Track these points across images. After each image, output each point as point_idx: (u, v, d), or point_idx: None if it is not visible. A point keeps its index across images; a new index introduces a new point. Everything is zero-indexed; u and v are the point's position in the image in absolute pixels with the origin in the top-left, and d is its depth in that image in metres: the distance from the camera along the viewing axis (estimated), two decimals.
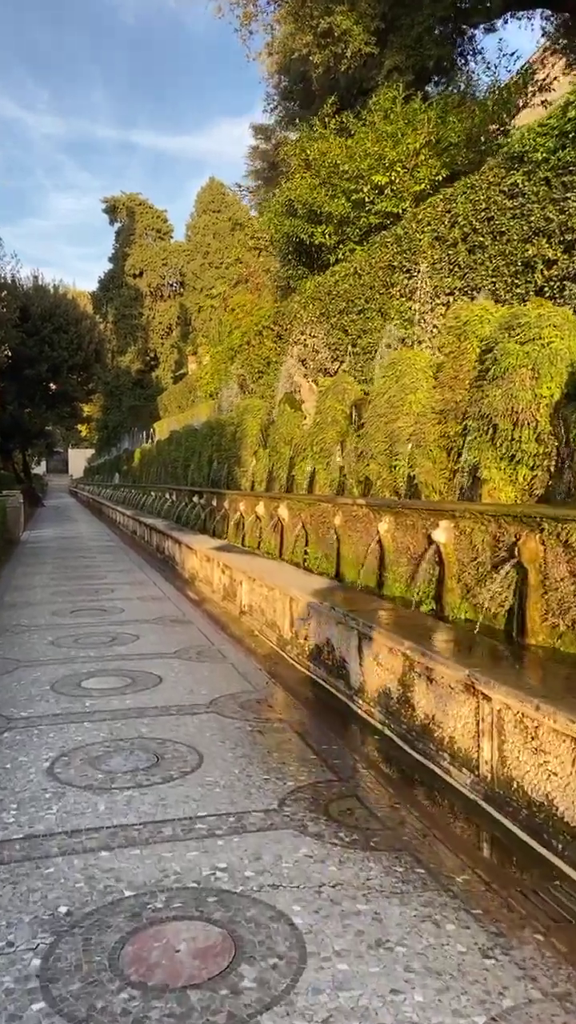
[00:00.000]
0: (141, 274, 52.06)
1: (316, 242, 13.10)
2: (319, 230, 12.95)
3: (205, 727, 4.17)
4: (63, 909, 2.40)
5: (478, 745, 3.38)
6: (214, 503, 13.65)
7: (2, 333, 20.84)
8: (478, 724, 3.39)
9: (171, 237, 53.79)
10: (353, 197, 11.78)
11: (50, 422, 39.93)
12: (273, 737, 4.05)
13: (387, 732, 4.16)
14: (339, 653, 5.05)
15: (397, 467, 7.69)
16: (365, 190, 11.46)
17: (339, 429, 9.81)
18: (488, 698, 3.28)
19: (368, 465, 8.32)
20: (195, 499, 15.17)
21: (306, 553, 8.70)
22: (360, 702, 4.60)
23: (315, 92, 17.70)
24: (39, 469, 72.22)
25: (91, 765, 3.60)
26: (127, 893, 2.49)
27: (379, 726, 4.26)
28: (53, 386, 35.52)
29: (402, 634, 4.17)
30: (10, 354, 21.65)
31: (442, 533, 5.63)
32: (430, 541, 5.83)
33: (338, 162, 12.32)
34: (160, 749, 3.82)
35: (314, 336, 12.72)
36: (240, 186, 42.78)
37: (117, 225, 53.67)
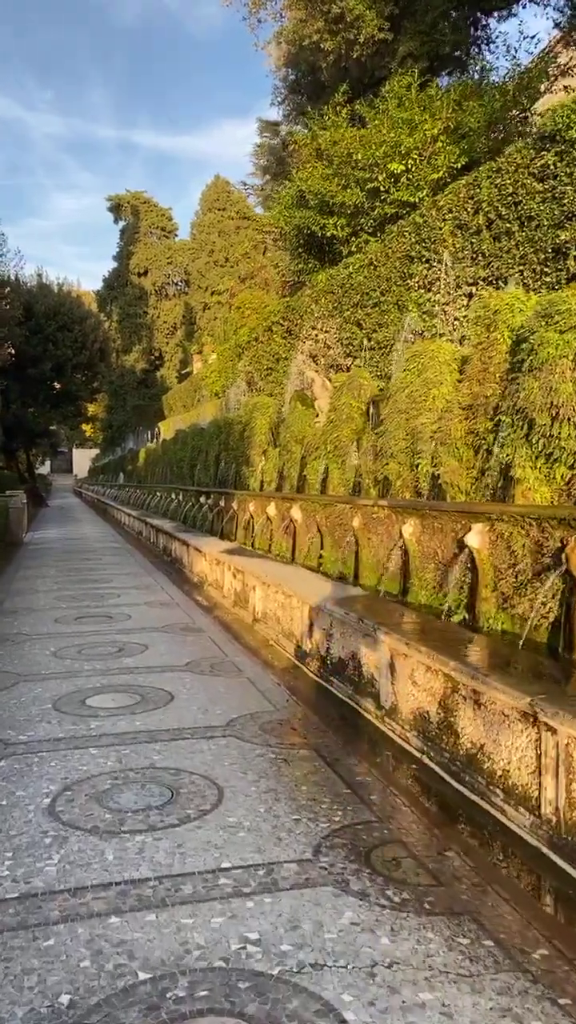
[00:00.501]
0: (146, 273, 51.68)
1: (328, 234, 12.67)
2: (331, 222, 12.53)
3: (223, 754, 3.75)
4: (65, 999, 1.98)
5: (539, 782, 2.96)
6: (222, 504, 13.25)
7: (5, 331, 20.47)
8: (539, 758, 2.97)
9: (176, 235, 53.42)
10: (367, 186, 11.36)
11: (54, 421, 39.60)
12: (300, 767, 3.63)
13: (426, 761, 3.74)
14: (367, 669, 4.63)
15: (420, 466, 7.26)
16: (380, 179, 11.03)
17: (355, 426, 9.40)
18: (553, 730, 2.85)
19: (387, 464, 7.89)
20: (202, 500, 14.76)
21: (321, 557, 8.29)
22: (392, 724, 4.18)
23: (325, 83, 17.27)
24: (43, 469, 71.95)
25: (98, 802, 3.18)
26: (142, 976, 2.07)
27: (416, 753, 3.84)
28: (57, 385, 35.17)
29: (442, 651, 3.75)
30: (13, 352, 21.28)
31: (476, 537, 5.21)
32: (461, 546, 5.41)
33: (351, 151, 11.89)
34: (175, 781, 3.40)
35: (326, 331, 12.30)
36: (245, 184, 42.39)
37: (121, 223, 53.27)
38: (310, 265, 14.00)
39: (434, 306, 9.19)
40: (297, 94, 23.32)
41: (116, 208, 52.81)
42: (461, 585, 5.44)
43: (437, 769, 3.64)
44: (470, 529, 5.29)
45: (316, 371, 11.48)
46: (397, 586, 6.38)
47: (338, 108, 13.20)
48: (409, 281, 9.71)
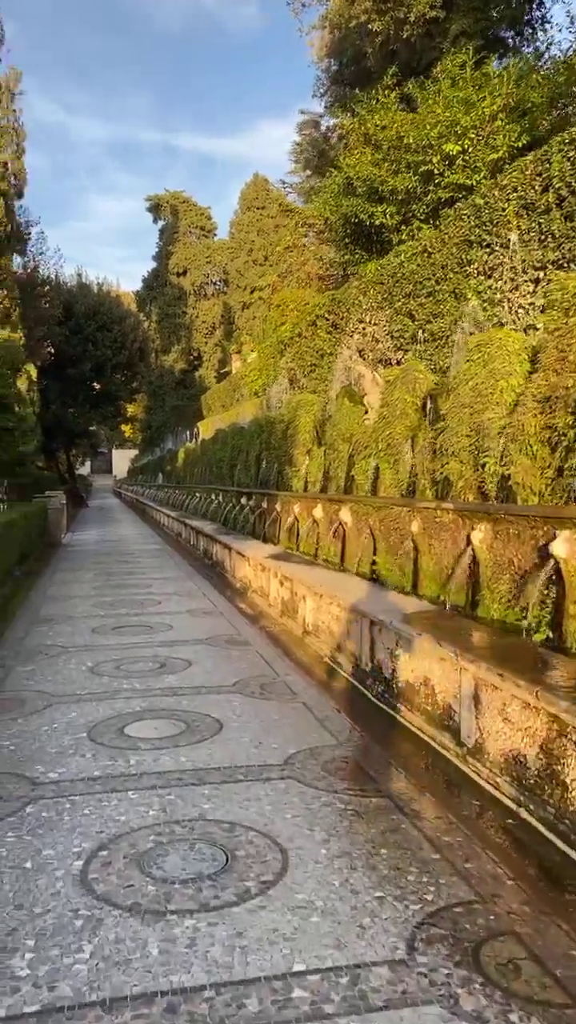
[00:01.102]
0: (185, 272, 51.52)
1: (377, 223, 12.07)
2: (380, 209, 11.91)
3: (284, 802, 3.20)
4: None
5: None
6: (264, 505, 12.73)
7: (45, 330, 20.29)
8: None
9: (215, 235, 53.17)
10: (420, 170, 10.72)
11: (94, 422, 39.62)
12: (375, 821, 3.06)
13: (524, 815, 3.14)
14: (442, 698, 4.04)
15: (486, 465, 6.63)
16: (434, 161, 10.39)
17: (409, 423, 8.78)
18: None
19: (447, 463, 7.27)
20: (243, 500, 14.27)
21: (374, 564, 7.70)
22: (477, 766, 3.58)
23: (371, 69, 16.65)
24: (84, 469, 72.52)
25: (139, 867, 2.65)
26: None
27: (511, 804, 3.24)
28: (97, 385, 35.12)
29: (545, 686, 3.15)
30: (52, 351, 21.09)
31: (563, 545, 4.57)
32: (544, 555, 4.79)
33: (402, 134, 11.26)
34: (229, 840, 2.86)
35: (375, 324, 11.69)
36: (284, 182, 41.89)
37: (160, 223, 53.21)
38: (357, 256, 13.40)
39: (496, 293, 8.53)
40: (340, 84, 22.73)
41: (155, 208, 52.79)
42: (543, 599, 4.82)
43: (540, 827, 3.03)
44: (555, 536, 4.66)
45: (365, 365, 10.88)
46: (464, 598, 5.77)
47: (387, 91, 12.58)
48: (468, 268, 9.06)
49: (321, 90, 23.80)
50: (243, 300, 46.93)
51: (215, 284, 52.21)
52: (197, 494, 20.59)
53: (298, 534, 10.50)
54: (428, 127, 10.35)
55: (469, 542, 5.78)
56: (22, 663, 5.71)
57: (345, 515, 8.68)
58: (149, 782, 3.42)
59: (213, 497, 17.94)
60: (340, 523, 8.78)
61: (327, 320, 13.51)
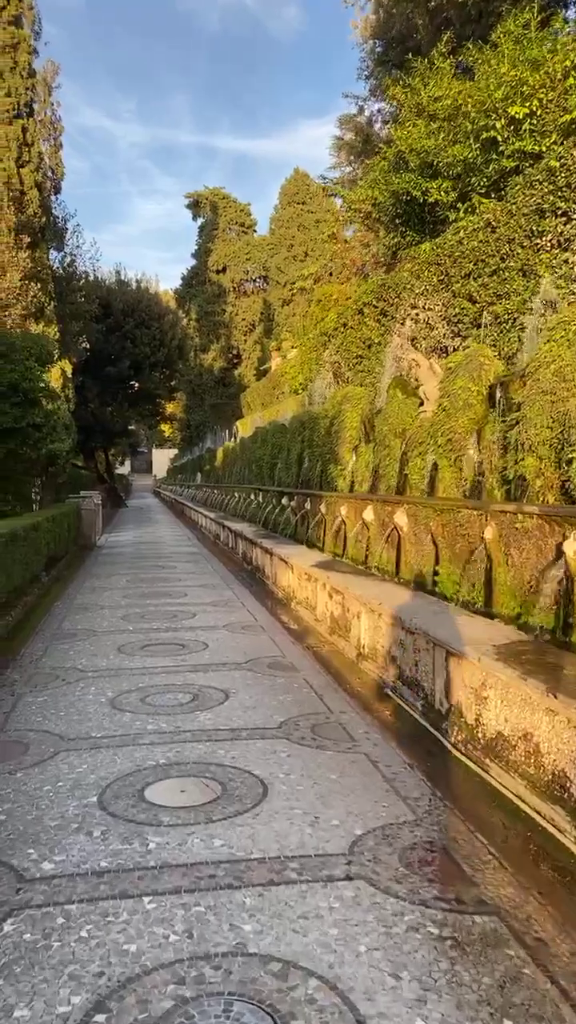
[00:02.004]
0: (224, 270, 50.93)
1: (431, 199, 11.09)
2: (435, 185, 10.93)
3: (354, 924, 2.32)
4: None
5: None
6: (308, 506, 11.85)
7: (81, 325, 19.72)
8: None
9: (254, 231, 52.48)
10: (482, 137, 9.71)
11: (132, 420, 39.21)
12: (487, 964, 2.15)
13: None
14: (551, 761, 3.11)
15: (573, 461, 5.66)
16: (498, 126, 9.38)
17: (473, 415, 7.83)
18: None
19: (522, 459, 6.29)
20: (284, 501, 13.42)
21: (436, 575, 6.77)
22: None
23: (420, 44, 15.65)
24: (123, 469, 72.58)
25: None
26: None
27: None
28: (135, 383, 34.63)
29: None
30: (88, 346, 20.52)
31: None
32: None
33: (460, 102, 10.27)
34: (282, 998, 1.98)
35: (429, 309, 10.72)
36: (325, 177, 40.99)
37: (200, 221, 52.72)
38: (408, 238, 12.43)
39: (573, 268, 7.52)
40: (385, 66, 21.72)
41: (195, 205, 52.33)
42: None
43: None
44: None
45: (420, 353, 9.92)
46: (555, 620, 4.82)
47: (441, 58, 11.59)
48: (539, 240, 8.05)
49: (365, 72, 22.84)
50: (283, 297, 46.13)
51: (255, 281, 51.53)
52: (236, 494, 19.83)
53: (345, 538, 9.61)
54: (491, 88, 9.34)
55: (560, 553, 4.83)
56: (34, 690, 4.93)
57: (401, 518, 7.76)
58: (171, 881, 2.56)
59: (252, 497, 17.14)
60: (395, 527, 7.87)
61: (375, 307, 12.57)
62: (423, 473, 8.79)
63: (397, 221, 12.30)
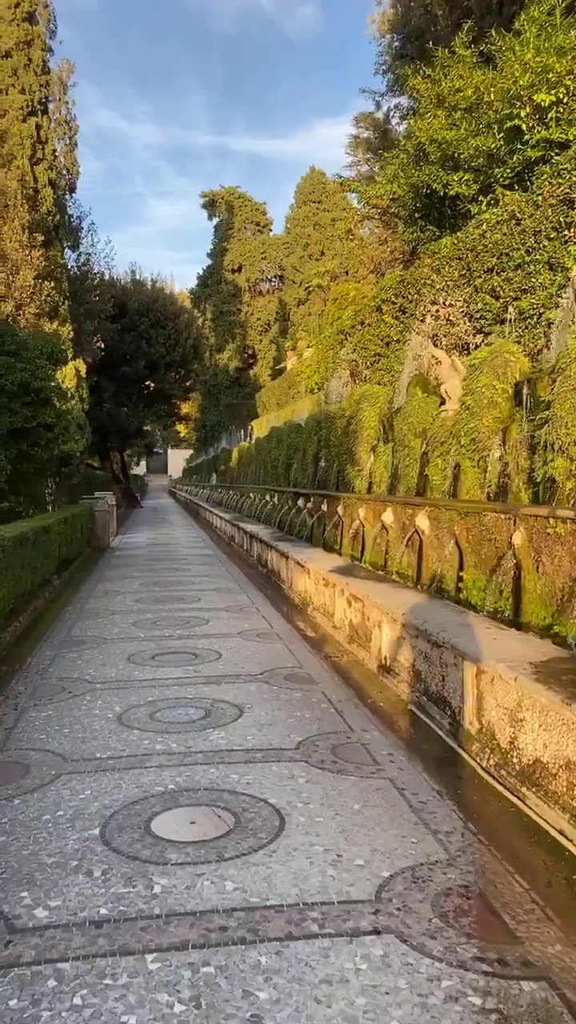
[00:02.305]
0: (239, 269, 50.72)
1: (452, 193, 10.76)
2: (456, 177, 10.61)
3: (385, 992, 2.03)
4: None
5: None
6: (324, 508, 11.57)
7: (95, 324, 19.54)
8: None
9: (270, 230, 52.22)
10: (506, 126, 9.38)
11: (147, 421, 39.07)
12: None
13: None
14: None
15: None
16: (522, 115, 9.04)
17: (498, 414, 7.52)
18: None
19: (552, 460, 5.98)
20: (300, 502, 13.14)
21: (460, 580, 6.47)
22: None
23: (440, 35, 15.31)
24: (139, 469, 72.63)
25: None
26: None
27: None
28: (150, 383, 34.50)
29: None
30: (103, 346, 20.34)
31: None
32: None
33: (482, 90, 9.94)
34: None
35: (450, 305, 10.40)
36: (340, 177, 40.61)
37: (215, 220, 52.55)
38: (427, 233, 12.10)
39: None
40: (402, 60, 21.38)
41: (210, 204, 52.16)
42: None
43: None
44: None
45: (441, 350, 9.60)
46: None
47: (463, 47, 11.25)
48: (567, 232, 7.72)
49: (383, 67, 22.50)
50: (299, 296, 45.85)
51: (270, 280, 51.30)
52: (251, 495, 19.58)
53: (363, 541, 9.32)
54: (515, 75, 9.00)
55: None
56: (39, 704, 4.68)
57: (423, 521, 7.46)
58: (178, 933, 2.29)
59: (268, 498, 16.89)
60: (416, 531, 7.57)
61: (394, 304, 12.26)
62: (445, 474, 8.49)
63: (416, 216, 11.98)
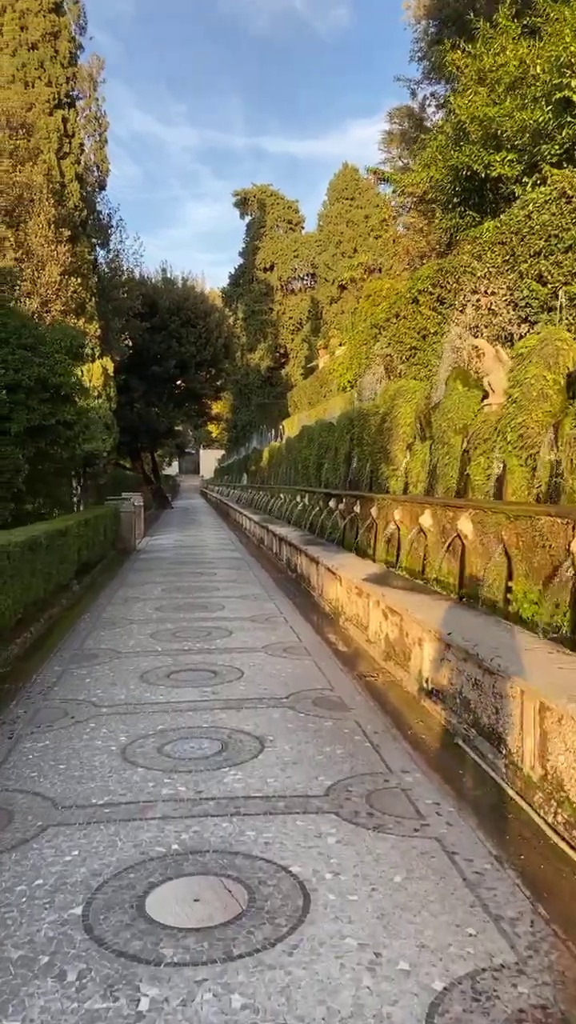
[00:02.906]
0: (271, 267, 50.24)
1: (493, 174, 10.08)
2: (499, 157, 9.93)
3: None
4: None
5: None
6: (357, 510, 10.96)
7: (123, 322, 19.17)
8: None
9: (302, 228, 51.65)
10: (555, 97, 8.69)
11: (178, 421, 38.77)
12: None
13: None
14: None
15: None
16: (573, 84, 8.35)
17: (549, 407, 6.89)
18: None
19: None
20: (331, 504, 12.55)
21: (509, 592, 5.83)
22: None
23: (478, 10, 14.58)
24: (171, 470, 72.61)
25: None
26: None
27: None
28: (181, 383, 34.16)
29: None
30: (130, 343, 19.96)
31: None
32: None
33: (528, 62, 9.26)
34: None
35: (493, 293, 9.73)
36: (373, 171, 39.94)
37: (247, 218, 52.15)
38: (466, 219, 11.43)
39: None
40: (439, 46, 20.67)
41: (243, 203, 51.77)
42: None
43: None
44: None
45: (484, 340, 8.94)
46: None
47: (506, 19, 10.56)
48: None
49: (419, 54, 21.81)
50: (331, 294, 45.20)
51: (302, 279, 50.74)
52: (281, 496, 19.05)
53: (398, 546, 8.70)
54: (567, 39, 8.31)
55: None
56: (36, 731, 4.17)
57: (465, 525, 6.82)
58: None
59: (298, 499, 16.33)
60: (458, 535, 6.93)
61: (431, 295, 11.61)
62: (488, 473, 7.85)
63: (455, 201, 11.31)
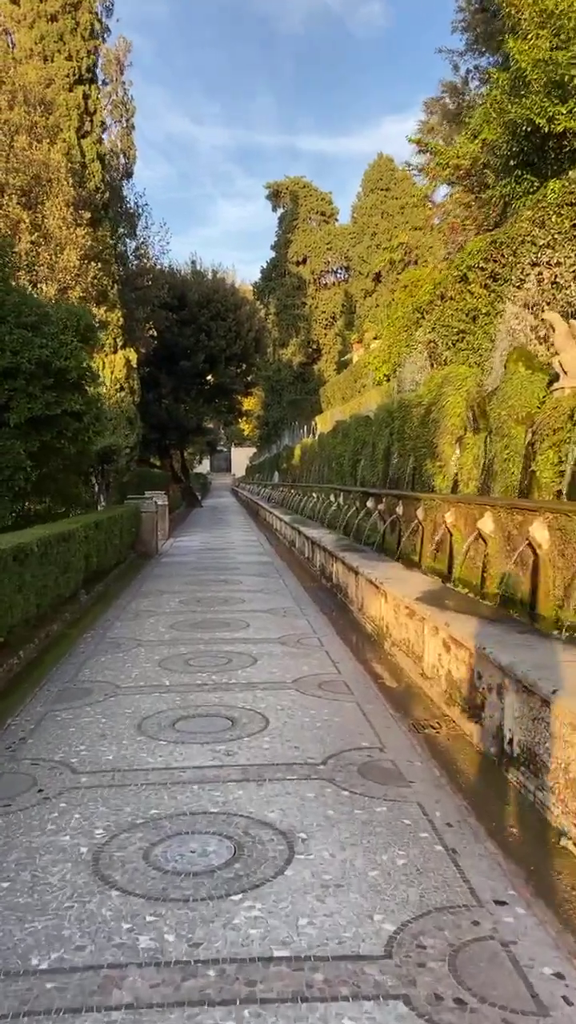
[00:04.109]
0: (304, 261, 49.05)
1: (559, 128, 8.81)
2: (564, 109, 8.65)
3: None
4: None
5: None
6: (400, 511, 9.75)
7: (148, 311, 18.18)
8: None
9: (336, 220, 50.37)
10: None
11: (207, 417, 37.82)
12: None
13: None
14: None
15: None
16: None
17: None
18: None
19: None
20: (369, 504, 11.37)
21: None
22: None
23: None
24: (202, 467, 71.86)
25: None
26: None
27: None
28: (210, 378, 33.17)
29: None
30: (155, 334, 18.97)
31: None
32: None
33: None
34: None
35: (558, 263, 8.47)
36: (409, 164, 38.57)
37: (280, 211, 51.02)
38: (523, 184, 10.15)
39: None
40: (485, 12, 19.31)
41: (275, 195, 50.66)
42: None
43: None
44: None
45: (552, 311, 7.69)
46: None
47: None
48: None
49: (461, 25, 20.46)
50: (365, 288, 43.86)
51: (336, 272, 49.47)
52: (314, 495, 17.90)
53: (450, 553, 7.51)
54: None
55: None
56: None
57: (540, 532, 5.60)
58: None
59: (332, 499, 15.17)
60: (530, 543, 5.71)
61: (483, 271, 10.35)
62: (560, 469, 6.63)
63: (512, 163, 10.05)
